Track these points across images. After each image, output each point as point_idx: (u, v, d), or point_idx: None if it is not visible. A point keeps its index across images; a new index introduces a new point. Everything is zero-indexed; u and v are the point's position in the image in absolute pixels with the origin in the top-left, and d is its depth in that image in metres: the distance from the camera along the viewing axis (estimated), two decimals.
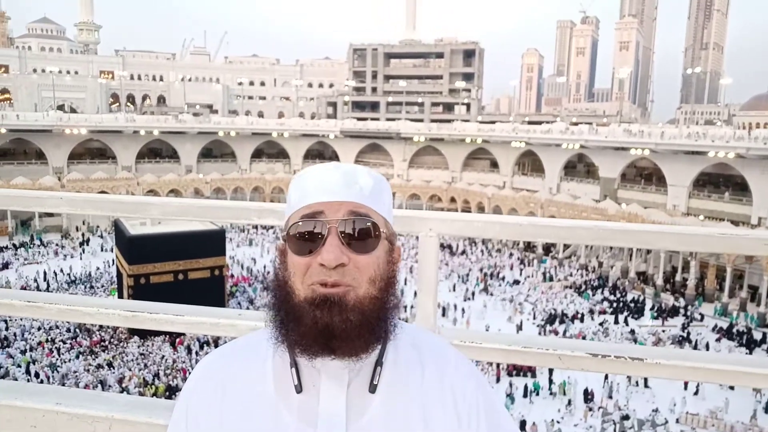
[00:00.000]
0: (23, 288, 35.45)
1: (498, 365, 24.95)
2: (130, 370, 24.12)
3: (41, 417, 1.77)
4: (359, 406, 1.05)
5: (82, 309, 1.79)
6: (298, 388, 1.04)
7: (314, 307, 0.99)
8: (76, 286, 36.44)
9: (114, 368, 24.34)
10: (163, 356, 25.43)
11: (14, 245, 46.23)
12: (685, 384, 23.42)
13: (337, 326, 0.99)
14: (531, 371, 25.10)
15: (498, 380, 24.46)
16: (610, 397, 23.20)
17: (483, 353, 1.62)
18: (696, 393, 23.38)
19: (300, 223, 1.04)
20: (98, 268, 39.17)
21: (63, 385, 22.53)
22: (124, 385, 22.64)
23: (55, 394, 1.81)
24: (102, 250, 45.65)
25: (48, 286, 36.11)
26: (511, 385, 23.98)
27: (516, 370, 25.17)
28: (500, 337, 1.63)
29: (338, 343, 1.00)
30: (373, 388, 1.05)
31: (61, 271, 38.72)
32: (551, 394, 23.70)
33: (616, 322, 33.05)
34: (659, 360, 1.50)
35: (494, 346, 1.60)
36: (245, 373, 1.11)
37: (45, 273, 37.66)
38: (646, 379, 23.57)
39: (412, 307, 31.53)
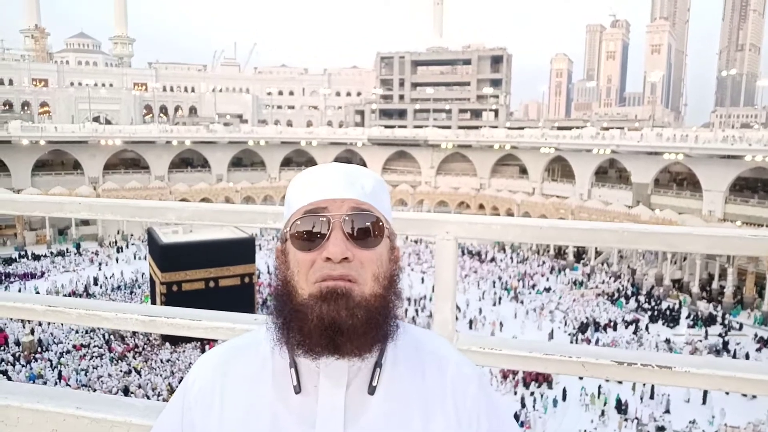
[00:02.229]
0: (72, 292, 37.21)
1: (514, 377, 24.59)
2: (158, 376, 24.43)
3: (62, 421, 1.79)
4: (358, 408, 1.05)
5: (101, 314, 1.81)
6: (297, 389, 1.04)
7: (321, 302, 0.99)
8: (120, 291, 38.09)
9: (141, 375, 24.72)
10: (190, 363, 25.73)
11: (51, 253, 47.58)
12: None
13: (344, 321, 0.99)
14: (547, 381, 24.60)
15: (515, 393, 23.99)
16: (668, 411, 22.37)
17: (502, 360, 1.57)
18: (704, 403, 22.60)
19: (304, 220, 1.04)
20: (143, 274, 40.22)
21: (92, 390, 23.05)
22: (148, 392, 22.94)
23: (75, 398, 1.83)
24: (135, 258, 46.60)
25: (100, 288, 38.54)
26: (530, 395, 23.62)
27: (533, 380, 24.70)
28: (520, 343, 1.58)
29: (344, 340, 0.99)
30: (372, 390, 1.04)
31: (113, 275, 40.70)
32: (592, 403, 23.17)
33: (647, 330, 32.29)
34: (688, 368, 1.43)
35: (514, 352, 1.55)
36: (245, 372, 1.10)
37: (96, 279, 39.80)
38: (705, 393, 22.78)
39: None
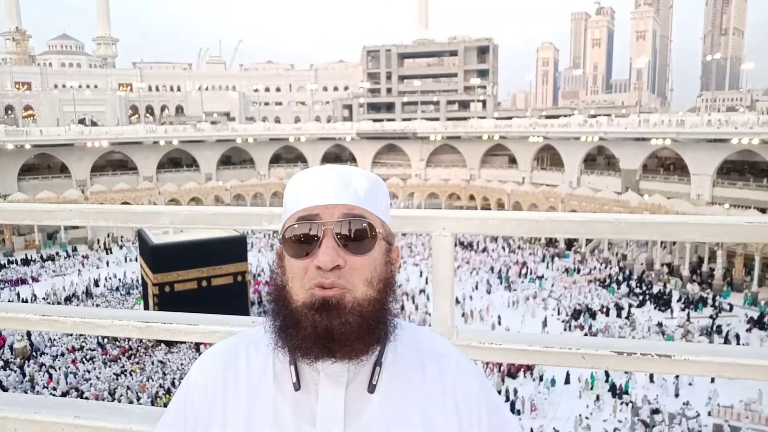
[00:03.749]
0: (73, 295, 37.30)
1: (500, 368, 24.65)
2: (149, 379, 24.20)
3: (61, 431, 1.77)
4: (358, 406, 1.06)
5: (97, 321, 1.79)
6: (297, 386, 1.05)
7: (313, 311, 1.01)
8: (118, 292, 38.28)
9: (132, 377, 24.49)
10: (182, 364, 25.54)
11: (41, 258, 47.16)
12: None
13: (337, 329, 1.00)
14: (530, 370, 24.67)
15: (503, 381, 24.05)
16: (677, 395, 22.48)
17: (503, 354, 1.57)
18: (690, 384, 22.91)
19: (295, 226, 1.05)
20: (140, 276, 40.31)
21: (79, 392, 22.85)
22: (139, 394, 22.80)
23: (73, 407, 1.82)
24: (126, 260, 46.28)
25: (103, 288, 39.10)
26: (533, 380, 23.80)
27: (517, 370, 24.72)
28: (520, 337, 1.58)
29: (338, 346, 1.01)
30: (372, 388, 1.06)
31: (115, 276, 40.89)
32: (586, 389, 23.38)
33: (630, 313, 32.59)
34: (688, 356, 1.44)
35: (514, 346, 1.55)
36: (247, 370, 1.11)
37: (96, 281, 40.02)
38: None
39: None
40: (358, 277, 1.03)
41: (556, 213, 1.56)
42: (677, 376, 22.53)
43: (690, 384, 22.91)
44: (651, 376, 23.57)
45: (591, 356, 1.49)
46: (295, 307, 1.03)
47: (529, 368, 24.78)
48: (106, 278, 40.46)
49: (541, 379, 23.95)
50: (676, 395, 22.52)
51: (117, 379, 24.18)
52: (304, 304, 1.01)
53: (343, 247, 1.02)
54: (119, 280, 40.14)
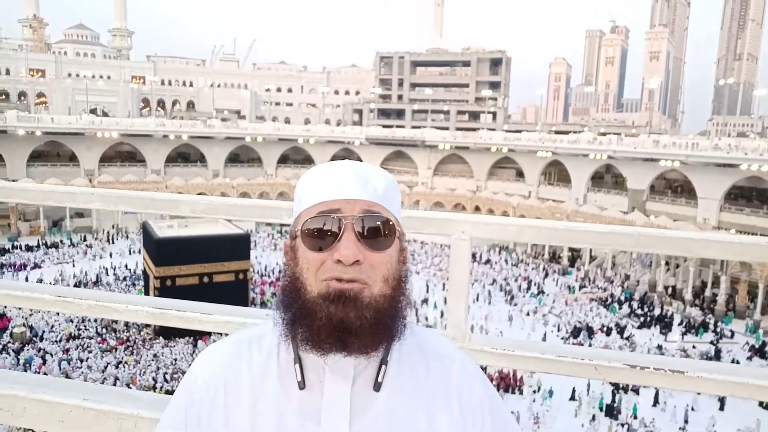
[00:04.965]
0: (80, 282, 37.55)
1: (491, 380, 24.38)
2: (143, 373, 24.11)
3: (69, 412, 1.77)
4: (363, 404, 1.06)
5: (111, 305, 1.79)
6: (301, 384, 1.05)
7: (329, 302, 1.00)
8: (124, 281, 38.67)
9: (125, 369, 24.42)
10: (175, 359, 25.49)
11: (45, 244, 47.28)
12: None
13: (353, 322, 1.00)
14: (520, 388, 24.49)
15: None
16: (686, 422, 22.03)
17: (515, 361, 1.57)
18: (692, 410, 22.61)
19: (316, 219, 1.04)
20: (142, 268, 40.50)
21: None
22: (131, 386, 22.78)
23: (82, 390, 1.82)
24: (130, 252, 46.37)
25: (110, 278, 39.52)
26: (532, 392, 23.66)
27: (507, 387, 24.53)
28: (533, 345, 1.58)
29: (352, 339, 1.00)
30: (377, 387, 1.06)
31: (126, 267, 41.27)
32: (579, 408, 23.22)
33: (621, 334, 32.38)
34: (701, 374, 1.43)
35: (527, 354, 1.54)
36: (249, 367, 1.10)
37: (107, 269, 40.42)
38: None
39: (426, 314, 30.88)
40: (376, 274, 1.03)
41: (576, 223, 1.56)
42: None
43: (693, 409, 22.64)
44: (655, 399, 23.36)
45: (604, 368, 1.48)
46: (309, 298, 1.02)
47: (519, 384, 24.63)
48: (116, 268, 40.75)
49: (538, 389, 23.82)
50: (686, 421, 22.14)
51: (108, 370, 24.15)
52: (319, 295, 1.01)
53: (363, 242, 1.02)
54: (130, 270, 40.37)
